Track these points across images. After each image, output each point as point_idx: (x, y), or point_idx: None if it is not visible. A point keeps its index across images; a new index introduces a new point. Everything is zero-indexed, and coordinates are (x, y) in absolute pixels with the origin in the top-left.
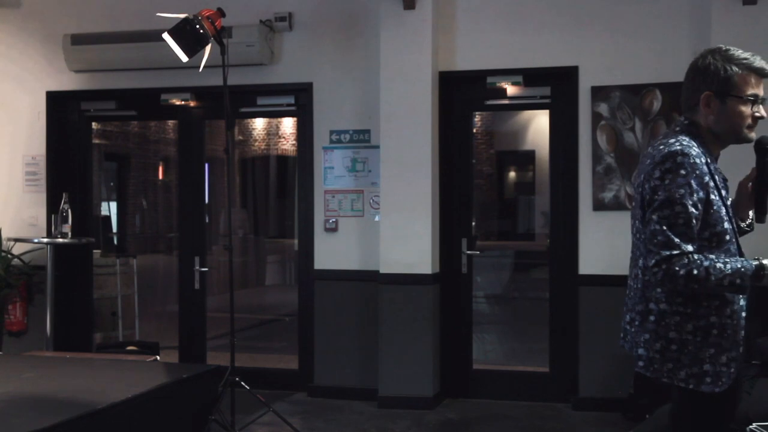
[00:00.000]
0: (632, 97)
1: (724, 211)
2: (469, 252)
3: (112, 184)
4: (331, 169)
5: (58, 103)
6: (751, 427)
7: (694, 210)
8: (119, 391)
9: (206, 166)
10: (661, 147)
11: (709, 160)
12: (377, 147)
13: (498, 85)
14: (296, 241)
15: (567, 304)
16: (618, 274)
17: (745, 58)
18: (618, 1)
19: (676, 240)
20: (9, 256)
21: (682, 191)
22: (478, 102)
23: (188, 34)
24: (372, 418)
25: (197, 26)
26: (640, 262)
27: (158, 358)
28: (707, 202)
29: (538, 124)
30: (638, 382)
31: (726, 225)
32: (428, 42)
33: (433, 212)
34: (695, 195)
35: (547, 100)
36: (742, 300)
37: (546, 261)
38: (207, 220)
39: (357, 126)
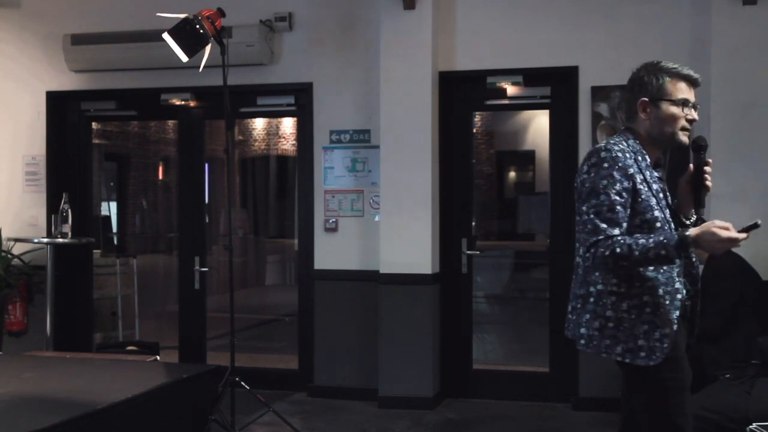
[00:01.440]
0: None
1: (654, 201)
2: (469, 252)
3: (112, 184)
4: (331, 169)
5: (58, 103)
6: (751, 427)
7: (618, 198)
8: (119, 391)
9: (206, 166)
10: (595, 146)
11: (640, 158)
12: (377, 147)
13: (498, 85)
14: (296, 241)
15: (567, 304)
16: None
17: (675, 67)
18: (618, 1)
19: (602, 226)
20: (9, 256)
21: (605, 182)
22: (478, 102)
23: (188, 34)
24: (372, 418)
25: (197, 26)
26: (581, 250)
27: (158, 358)
28: (634, 191)
29: (538, 124)
30: None
31: (656, 213)
32: (428, 42)
33: (433, 212)
34: (618, 184)
35: (547, 100)
36: (678, 283)
37: (546, 261)
38: (207, 220)
39: (357, 126)
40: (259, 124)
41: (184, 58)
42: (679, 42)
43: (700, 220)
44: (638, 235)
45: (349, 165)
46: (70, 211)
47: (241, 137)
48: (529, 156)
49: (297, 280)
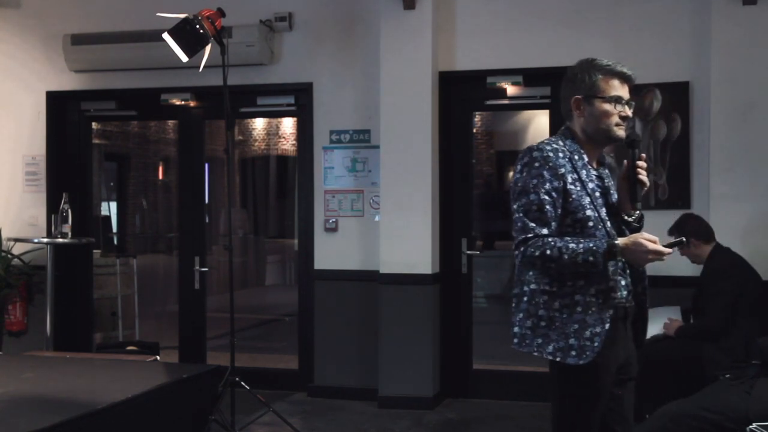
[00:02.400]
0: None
1: (587, 200)
2: (469, 252)
3: (112, 184)
4: (331, 169)
5: (58, 103)
6: (751, 427)
7: (547, 197)
8: (119, 391)
9: (206, 166)
10: (527, 147)
11: (576, 158)
12: (377, 147)
13: (498, 85)
14: (296, 241)
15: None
16: None
17: (608, 65)
18: (618, 1)
19: (531, 225)
20: (9, 256)
21: (535, 181)
22: (478, 102)
23: (188, 34)
24: (372, 418)
25: (197, 26)
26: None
27: (158, 358)
28: (565, 191)
29: (538, 124)
30: (638, 382)
31: (589, 213)
32: (428, 42)
33: (433, 212)
34: (548, 184)
35: (547, 100)
36: (612, 282)
37: None
38: (207, 220)
39: (357, 126)
40: (259, 124)
41: (184, 58)
42: (679, 42)
43: (639, 216)
44: (569, 238)
45: (349, 165)
46: (70, 211)
47: (241, 137)
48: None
49: (297, 280)
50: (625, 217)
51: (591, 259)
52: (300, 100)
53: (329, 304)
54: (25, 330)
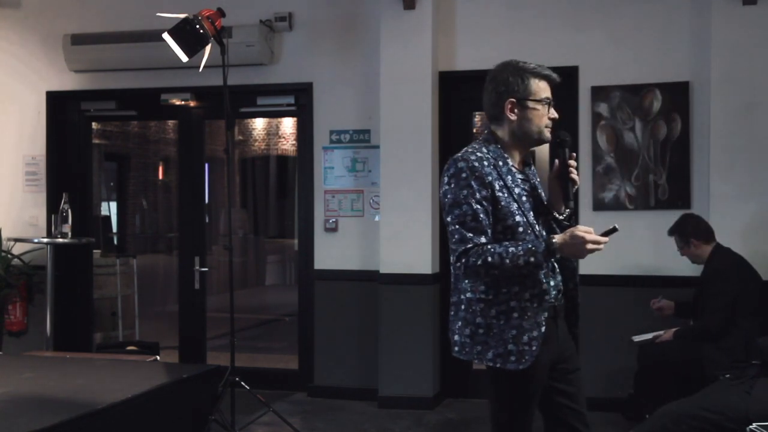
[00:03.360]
0: (632, 97)
1: (515, 206)
2: None
3: (112, 184)
4: (331, 169)
5: (58, 103)
6: (751, 427)
7: (479, 206)
8: (119, 391)
9: (206, 166)
10: (455, 155)
11: (501, 164)
12: (377, 147)
13: None
14: (296, 241)
15: (567, 303)
16: (618, 274)
17: (536, 68)
18: (618, 1)
19: (469, 235)
20: (9, 256)
21: (465, 192)
22: (478, 102)
23: (188, 34)
24: (372, 418)
25: (197, 26)
26: (452, 258)
27: (158, 358)
28: (494, 199)
29: None
30: (638, 382)
31: (518, 219)
32: (428, 42)
33: (433, 212)
34: (478, 193)
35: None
36: (545, 284)
37: None
38: (207, 220)
39: (357, 126)
40: (259, 124)
41: (184, 58)
42: (679, 42)
43: (570, 214)
44: (507, 243)
45: (349, 165)
46: (70, 211)
47: (241, 137)
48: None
49: (297, 280)
50: (557, 215)
51: (532, 259)
52: (300, 100)
53: (329, 304)
54: (25, 330)
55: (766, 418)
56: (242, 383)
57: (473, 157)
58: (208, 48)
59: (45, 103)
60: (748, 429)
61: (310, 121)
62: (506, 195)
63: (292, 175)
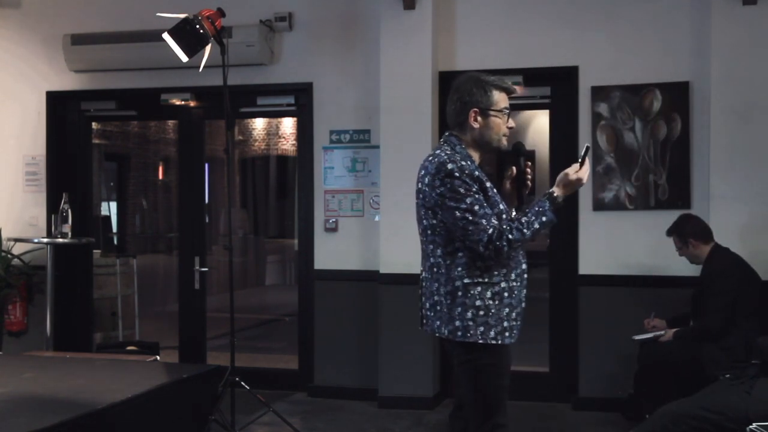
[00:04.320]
0: (632, 97)
1: (498, 197)
2: None
3: (112, 184)
4: (331, 169)
5: (58, 103)
6: (751, 427)
7: (478, 196)
8: (119, 391)
9: (206, 166)
10: (433, 159)
11: (470, 162)
12: (377, 147)
13: None
14: (296, 241)
15: (567, 304)
16: (618, 274)
17: (497, 81)
18: (618, 1)
19: (483, 222)
20: (9, 256)
21: (463, 189)
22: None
23: (188, 34)
24: (372, 418)
25: (197, 26)
26: (438, 251)
27: (158, 358)
28: (484, 189)
29: (538, 124)
30: (638, 382)
31: (502, 206)
32: (428, 42)
33: None
34: (473, 187)
35: (547, 100)
36: (524, 264)
37: (546, 261)
38: (207, 220)
39: (357, 126)
40: (259, 124)
41: (184, 58)
42: (679, 42)
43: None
44: (514, 217)
45: (349, 165)
46: (70, 211)
47: (241, 137)
48: (529, 156)
49: (297, 280)
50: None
51: (545, 219)
52: (300, 100)
53: (329, 304)
54: (25, 330)
55: (766, 418)
56: (242, 383)
57: (458, 157)
58: (208, 48)
59: (45, 103)
60: (748, 429)
61: (310, 121)
62: (490, 186)
63: (292, 175)
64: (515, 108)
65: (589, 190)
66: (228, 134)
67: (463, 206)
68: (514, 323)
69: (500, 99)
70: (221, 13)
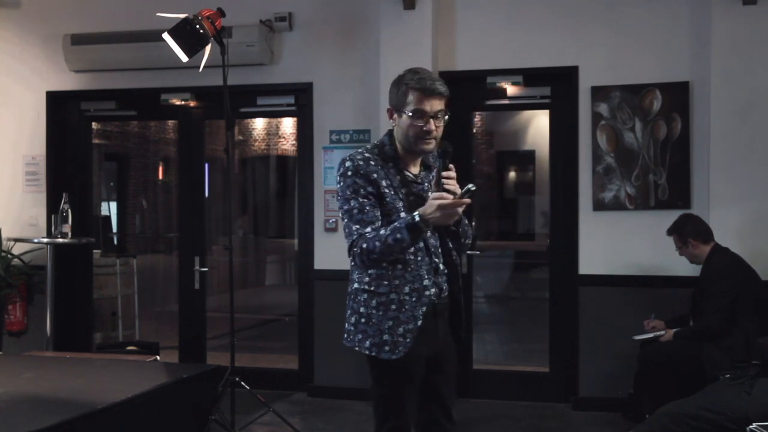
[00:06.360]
0: (632, 97)
1: (400, 204)
2: (469, 252)
3: (112, 184)
4: (331, 169)
5: (58, 103)
6: (751, 427)
7: (365, 200)
8: (119, 391)
9: (206, 166)
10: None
11: (391, 164)
12: None
13: (498, 85)
14: (296, 241)
15: (567, 304)
16: (618, 274)
17: (414, 80)
18: (618, 1)
19: (355, 227)
20: (9, 256)
21: (351, 190)
22: (478, 102)
23: (188, 34)
24: (372, 418)
25: (197, 26)
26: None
27: (158, 358)
28: (380, 195)
29: (538, 124)
30: (638, 382)
31: (403, 215)
32: (428, 42)
33: None
34: (362, 189)
35: (547, 100)
36: (426, 281)
37: (546, 261)
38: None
39: (357, 126)
40: (259, 124)
41: (184, 58)
42: (679, 42)
43: (458, 219)
44: (383, 230)
45: None
46: (70, 211)
47: (241, 137)
48: (529, 156)
49: (297, 280)
50: (450, 227)
51: (398, 236)
52: (300, 100)
53: (329, 304)
54: (25, 330)
55: (766, 418)
56: (242, 383)
57: (359, 158)
58: (208, 48)
59: (45, 103)
60: (748, 429)
61: (310, 121)
62: (392, 193)
63: (292, 175)
64: (515, 108)
65: (589, 190)
66: (228, 134)
67: (346, 207)
68: (400, 339)
69: (414, 99)
70: (221, 13)
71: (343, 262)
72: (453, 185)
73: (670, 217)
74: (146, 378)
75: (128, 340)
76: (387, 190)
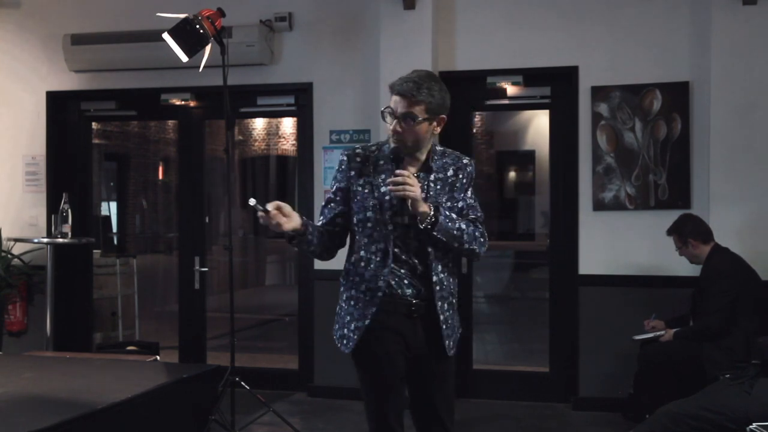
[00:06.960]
0: (632, 97)
1: (372, 203)
2: None
3: (112, 184)
4: (331, 169)
5: (58, 103)
6: (751, 427)
7: (332, 195)
8: (119, 391)
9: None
10: None
11: (383, 162)
12: None
13: (498, 85)
14: None
15: (567, 304)
16: (618, 274)
17: (394, 82)
18: (618, 1)
19: (320, 217)
20: (9, 256)
21: (333, 182)
22: (478, 102)
23: (188, 34)
24: None
25: (197, 26)
26: None
27: (158, 358)
28: (352, 192)
29: (538, 124)
30: (638, 382)
31: (369, 214)
32: (428, 42)
33: None
34: (336, 185)
35: (547, 100)
36: (381, 281)
37: (546, 261)
38: (207, 220)
39: (357, 126)
40: (259, 124)
41: (184, 58)
42: (679, 42)
43: (432, 223)
44: (315, 225)
45: None
46: (70, 211)
47: (241, 137)
48: (529, 156)
49: (297, 280)
50: (419, 225)
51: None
52: (300, 100)
53: (329, 304)
54: (25, 330)
55: (766, 418)
56: (242, 383)
57: (351, 152)
58: (208, 48)
59: (45, 103)
60: (748, 429)
61: (310, 121)
62: (367, 191)
63: (292, 175)
64: (515, 108)
65: (589, 190)
66: (228, 134)
67: (328, 196)
68: (351, 335)
69: (391, 100)
70: (221, 13)
71: (343, 262)
72: (400, 189)
73: (670, 217)
74: (146, 378)
75: (128, 340)
76: (360, 188)
